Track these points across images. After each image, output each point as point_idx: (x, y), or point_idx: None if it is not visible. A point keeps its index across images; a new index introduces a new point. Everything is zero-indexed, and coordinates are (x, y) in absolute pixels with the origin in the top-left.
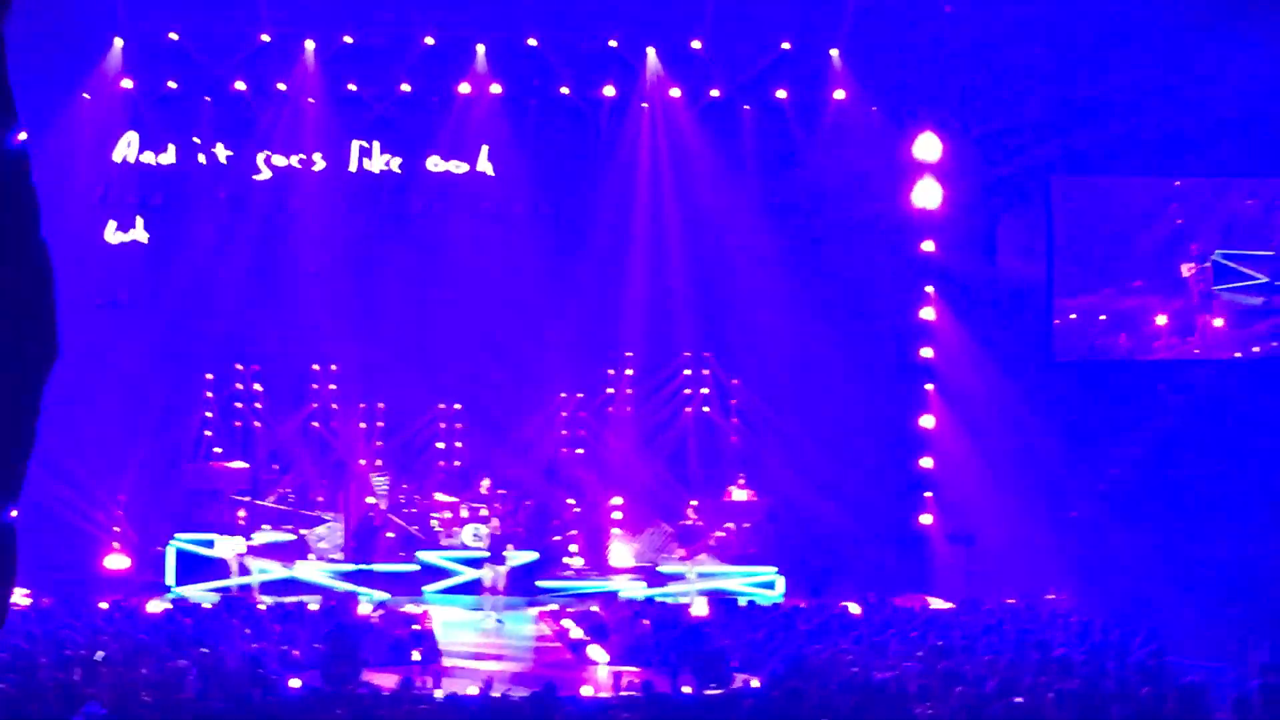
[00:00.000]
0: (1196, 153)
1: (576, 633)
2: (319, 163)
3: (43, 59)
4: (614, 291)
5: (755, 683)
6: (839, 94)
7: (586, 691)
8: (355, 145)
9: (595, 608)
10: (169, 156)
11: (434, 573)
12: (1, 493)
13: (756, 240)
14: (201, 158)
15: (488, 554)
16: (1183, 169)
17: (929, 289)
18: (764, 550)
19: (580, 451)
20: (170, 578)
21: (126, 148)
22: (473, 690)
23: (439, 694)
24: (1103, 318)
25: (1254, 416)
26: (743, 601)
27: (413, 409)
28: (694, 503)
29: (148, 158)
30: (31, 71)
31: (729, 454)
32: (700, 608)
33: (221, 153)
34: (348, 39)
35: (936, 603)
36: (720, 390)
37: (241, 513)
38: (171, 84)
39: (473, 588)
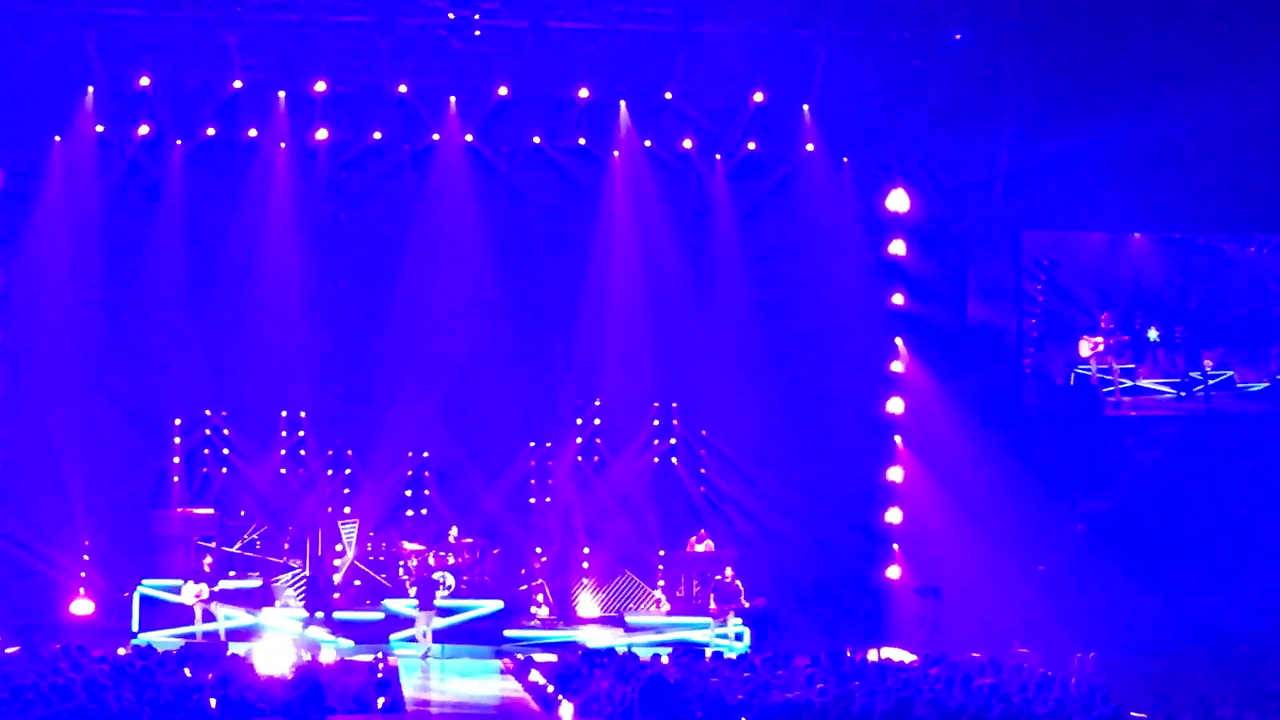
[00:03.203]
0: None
1: (544, 684)
2: (289, 210)
3: (15, 105)
4: (583, 341)
5: None
6: (809, 147)
7: None
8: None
9: (554, 657)
10: (140, 200)
11: (400, 621)
12: None
13: (727, 291)
14: (169, 203)
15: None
16: (1151, 225)
17: (898, 341)
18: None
19: (548, 500)
20: (135, 624)
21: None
22: None
23: None
24: (1074, 371)
25: (1223, 473)
26: (708, 653)
27: (381, 457)
28: (661, 552)
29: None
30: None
31: (696, 504)
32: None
33: (193, 198)
34: (320, 87)
35: (902, 655)
36: (688, 441)
37: (208, 559)
38: (143, 129)
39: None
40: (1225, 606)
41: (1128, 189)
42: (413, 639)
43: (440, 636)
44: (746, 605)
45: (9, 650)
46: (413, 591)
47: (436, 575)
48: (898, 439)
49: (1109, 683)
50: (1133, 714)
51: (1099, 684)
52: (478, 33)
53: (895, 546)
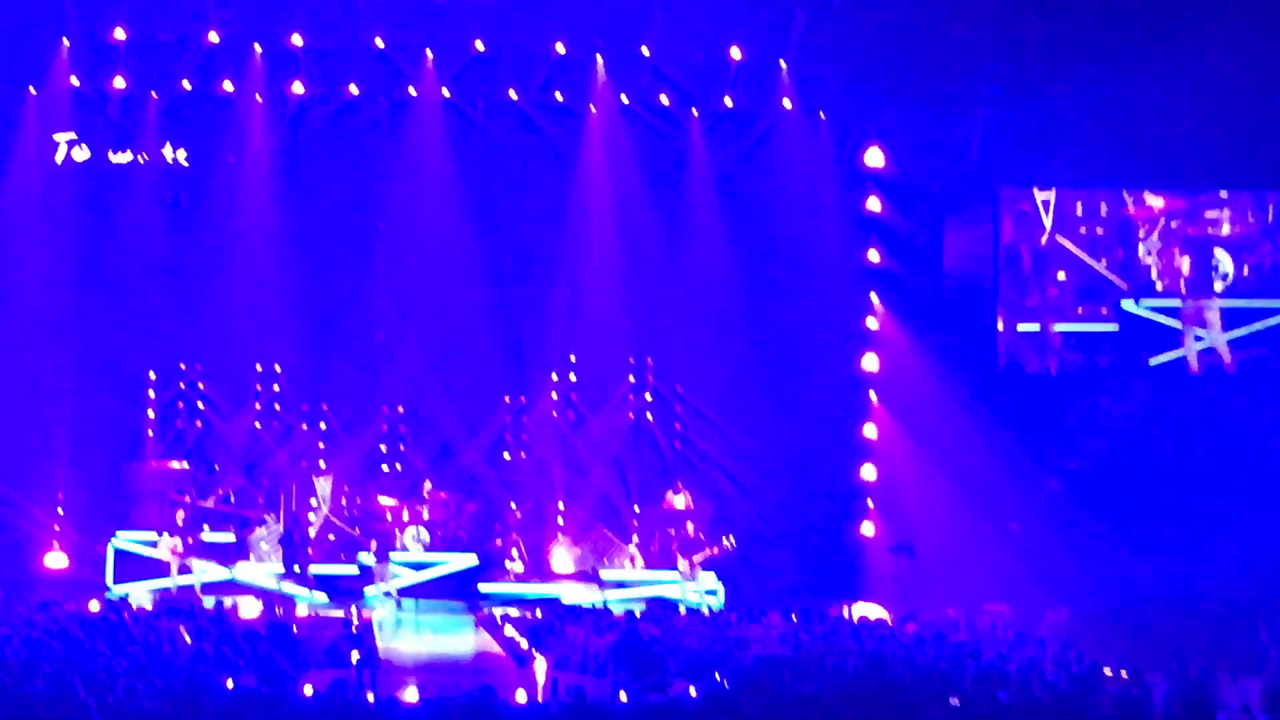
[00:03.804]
0: (1154, 164)
1: (518, 639)
2: (263, 164)
3: None
4: (559, 296)
5: (693, 691)
6: (787, 103)
7: (521, 698)
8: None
9: (537, 613)
10: (115, 155)
11: (373, 575)
12: None
13: (702, 247)
14: (145, 156)
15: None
16: (1136, 181)
17: (874, 297)
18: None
19: (523, 455)
20: (110, 577)
21: (69, 146)
22: (411, 694)
23: (371, 697)
24: (1050, 329)
25: (1197, 430)
26: (682, 609)
27: (356, 411)
28: (636, 508)
29: (80, 155)
30: None
31: (672, 460)
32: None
33: (168, 153)
34: (296, 40)
35: (875, 612)
36: (663, 397)
37: (181, 513)
38: (119, 82)
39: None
40: (1197, 564)
41: (1107, 145)
42: (388, 594)
43: (414, 591)
44: (714, 550)
45: None
46: (373, 545)
47: (410, 530)
48: (872, 395)
49: (1082, 640)
50: (1105, 670)
51: (1072, 641)
52: None
53: (870, 503)
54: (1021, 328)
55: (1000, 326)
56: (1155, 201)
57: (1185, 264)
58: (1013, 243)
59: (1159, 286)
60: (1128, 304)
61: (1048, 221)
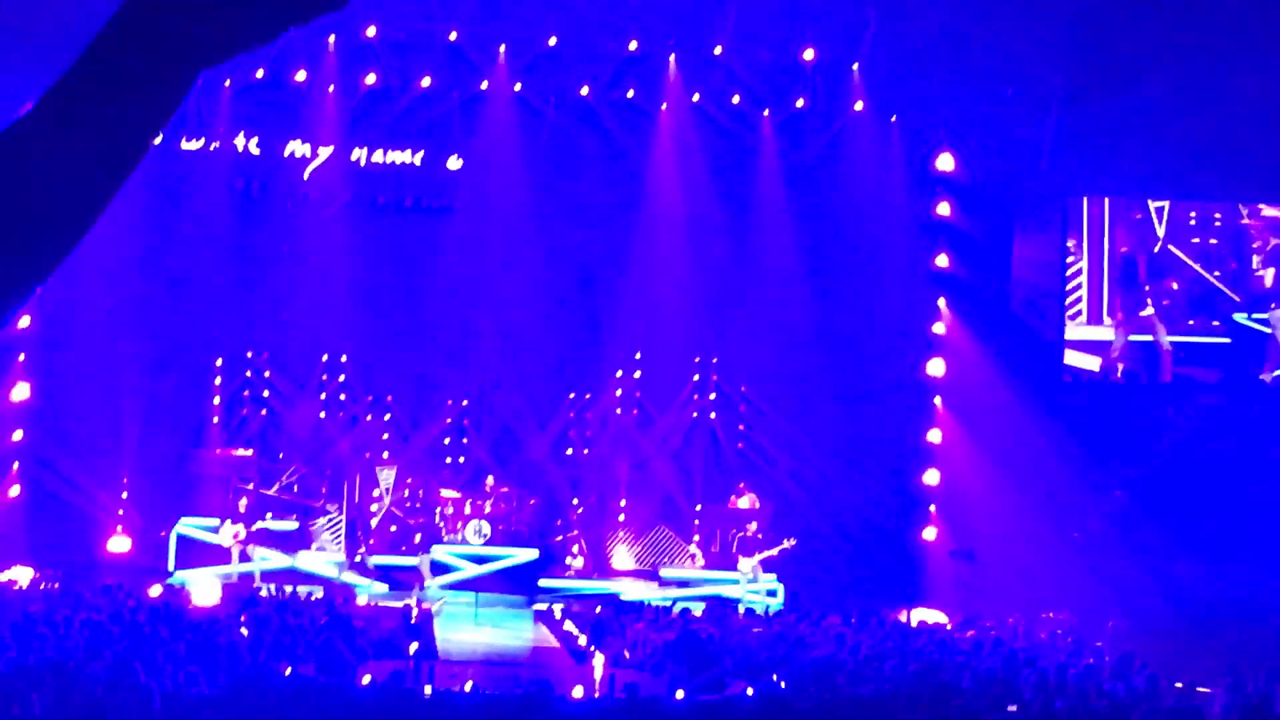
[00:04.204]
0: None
1: (578, 636)
2: (337, 155)
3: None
4: (626, 294)
5: (750, 691)
6: (859, 105)
7: (578, 693)
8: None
9: (597, 609)
10: (186, 143)
11: (437, 568)
12: None
13: (770, 248)
14: (216, 145)
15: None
16: (1206, 192)
17: (941, 303)
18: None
19: (586, 452)
20: (171, 563)
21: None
22: (466, 687)
23: (428, 690)
24: (1116, 339)
25: (1262, 442)
26: (741, 609)
27: (421, 404)
28: (699, 508)
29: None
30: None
31: (734, 461)
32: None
33: (239, 141)
34: (370, 32)
35: (935, 617)
36: (727, 397)
37: (244, 500)
38: None
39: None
40: (1261, 577)
41: (1181, 156)
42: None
43: (475, 585)
44: (774, 551)
45: (47, 585)
46: (417, 538)
47: (473, 524)
48: (938, 400)
49: (1142, 650)
50: (1163, 683)
51: (1132, 651)
52: None
53: (932, 508)
54: (1132, 338)
55: (1068, 334)
56: (1272, 213)
57: None
58: (1129, 253)
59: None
60: (1240, 316)
61: (1161, 230)
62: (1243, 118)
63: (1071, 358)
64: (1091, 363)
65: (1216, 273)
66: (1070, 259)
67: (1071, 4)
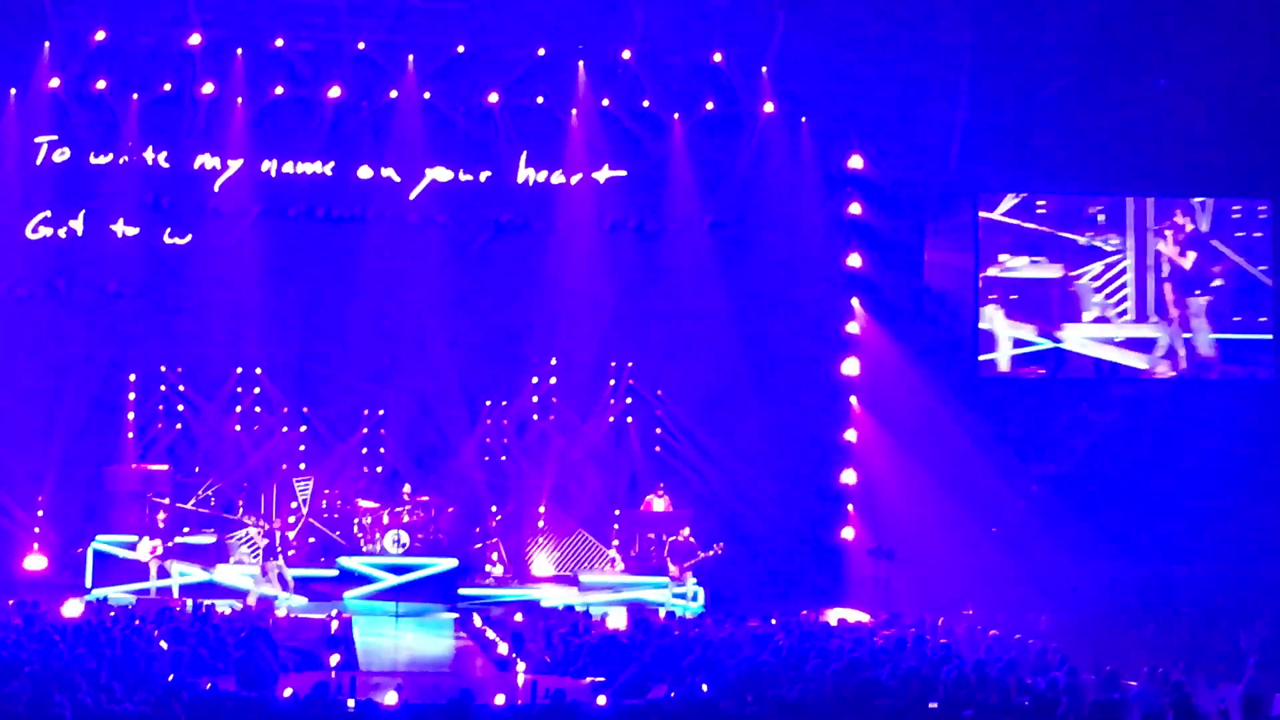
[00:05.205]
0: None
1: (499, 643)
2: (247, 166)
3: None
4: (541, 301)
5: (672, 695)
6: (769, 107)
7: (500, 701)
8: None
9: (518, 616)
10: (94, 158)
11: (354, 578)
12: None
13: (683, 251)
14: (125, 159)
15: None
16: (1110, 187)
17: (855, 303)
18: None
19: (504, 459)
20: (89, 580)
21: (49, 147)
22: (390, 698)
23: (350, 703)
24: (1029, 336)
25: (1175, 436)
26: (662, 613)
27: (337, 414)
28: (617, 511)
29: (61, 155)
30: None
31: (653, 465)
32: (618, 619)
33: (148, 155)
34: (278, 43)
35: (855, 616)
36: (644, 401)
37: (162, 515)
38: (100, 84)
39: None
40: (1177, 570)
41: (1086, 152)
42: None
43: (395, 594)
44: (705, 555)
45: None
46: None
47: (391, 534)
48: (853, 400)
49: (1062, 644)
50: (1084, 675)
51: (1052, 645)
52: None
53: (850, 507)
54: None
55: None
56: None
57: None
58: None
59: None
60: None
61: (1204, 225)
62: (1143, 113)
63: (997, 354)
64: (1139, 360)
65: (1262, 267)
66: (1116, 257)
67: (978, 3)
